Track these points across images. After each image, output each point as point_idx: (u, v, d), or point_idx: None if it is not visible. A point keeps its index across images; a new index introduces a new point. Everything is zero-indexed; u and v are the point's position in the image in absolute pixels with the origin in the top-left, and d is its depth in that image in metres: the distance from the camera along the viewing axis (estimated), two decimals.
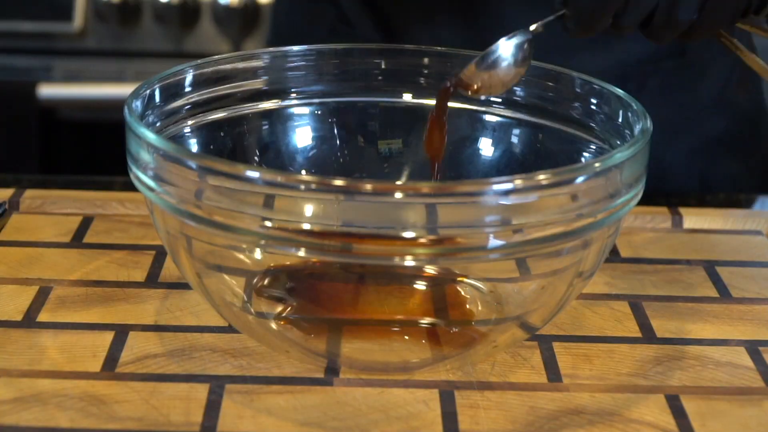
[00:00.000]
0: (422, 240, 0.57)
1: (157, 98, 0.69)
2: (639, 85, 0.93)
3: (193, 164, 0.59)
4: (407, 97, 0.78)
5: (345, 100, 0.77)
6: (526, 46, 0.68)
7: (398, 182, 0.76)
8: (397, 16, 0.95)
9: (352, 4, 0.98)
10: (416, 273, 0.71)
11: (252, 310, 0.68)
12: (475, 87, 0.69)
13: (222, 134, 0.74)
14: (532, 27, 0.68)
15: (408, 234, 0.57)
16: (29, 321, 0.70)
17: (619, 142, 0.68)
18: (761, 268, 0.79)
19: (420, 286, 0.72)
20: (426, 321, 0.68)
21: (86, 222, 0.83)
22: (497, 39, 0.68)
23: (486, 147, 0.76)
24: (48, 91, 1.72)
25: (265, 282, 0.69)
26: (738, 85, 1.00)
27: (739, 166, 1.02)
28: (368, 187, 0.56)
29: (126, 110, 0.64)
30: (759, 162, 1.04)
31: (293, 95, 0.77)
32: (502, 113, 0.75)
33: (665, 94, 0.71)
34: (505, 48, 0.68)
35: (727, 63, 0.99)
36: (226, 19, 1.77)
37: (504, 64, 0.68)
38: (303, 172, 0.77)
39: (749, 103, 1.03)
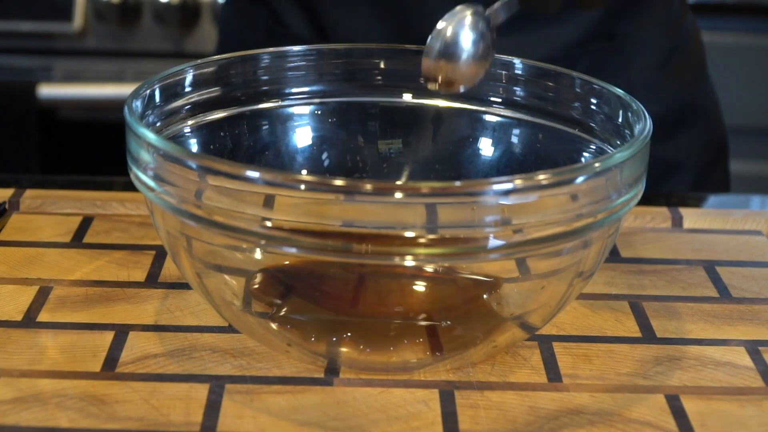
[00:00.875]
0: (422, 240, 0.57)
1: (157, 98, 0.69)
2: (567, 68, 0.92)
3: (193, 164, 0.59)
4: (407, 97, 0.78)
5: (345, 100, 0.77)
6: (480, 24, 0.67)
7: (398, 182, 0.76)
8: (326, 14, 0.95)
9: (284, 4, 0.97)
10: (416, 272, 0.71)
11: (252, 310, 0.68)
12: (441, 78, 0.69)
13: (222, 134, 0.74)
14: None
15: (408, 234, 0.57)
16: (29, 321, 0.70)
17: (619, 142, 0.68)
18: (761, 268, 0.79)
19: (420, 285, 0.72)
20: (426, 321, 0.68)
21: (86, 222, 0.83)
22: (426, 34, 0.67)
23: (486, 147, 0.76)
24: (48, 91, 1.72)
25: (265, 282, 0.69)
26: (675, 72, 0.99)
27: (675, 155, 1.00)
28: (368, 187, 0.56)
29: (126, 110, 0.64)
30: (697, 151, 1.02)
31: (293, 95, 0.76)
32: (502, 113, 0.75)
33: (594, 77, 0.71)
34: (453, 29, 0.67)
35: (660, 49, 0.97)
36: None
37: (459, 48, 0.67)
38: (303, 172, 0.77)
39: (687, 90, 1.01)
